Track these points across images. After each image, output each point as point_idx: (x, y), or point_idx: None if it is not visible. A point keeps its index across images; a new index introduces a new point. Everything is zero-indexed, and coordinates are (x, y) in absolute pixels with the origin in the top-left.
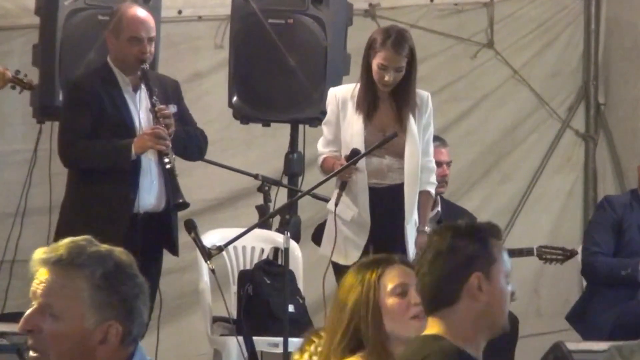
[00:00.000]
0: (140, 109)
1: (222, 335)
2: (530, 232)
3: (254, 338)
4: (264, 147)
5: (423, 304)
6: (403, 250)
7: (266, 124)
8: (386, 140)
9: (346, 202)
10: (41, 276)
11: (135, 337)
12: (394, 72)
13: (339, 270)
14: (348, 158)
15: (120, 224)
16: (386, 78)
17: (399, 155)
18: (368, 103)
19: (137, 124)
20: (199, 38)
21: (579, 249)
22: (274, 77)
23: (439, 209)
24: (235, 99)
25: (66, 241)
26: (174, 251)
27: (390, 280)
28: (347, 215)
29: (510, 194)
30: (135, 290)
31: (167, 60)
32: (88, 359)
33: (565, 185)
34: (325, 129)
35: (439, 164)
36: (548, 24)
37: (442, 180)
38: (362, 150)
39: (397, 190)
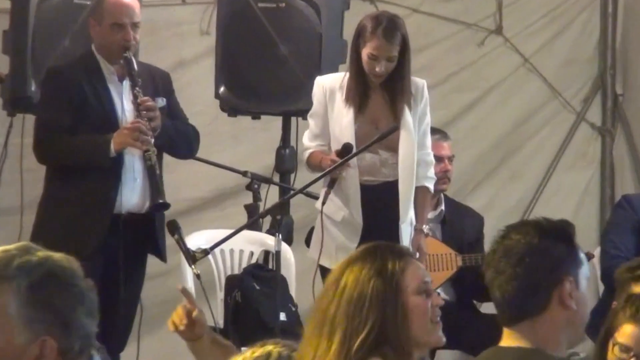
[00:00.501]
0: (126, 100)
1: None
2: None
3: (243, 349)
4: (253, 141)
5: (502, 313)
6: None
7: (256, 116)
8: (386, 134)
9: (336, 201)
10: None
11: (82, 352)
12: (386, 62)
13: (325, 274)
14: (339, 153)
15: (100, 225)
16: (377, 69)
17: (393, 149)
18: (359, 94)
19: (121, 117)
20: (183, 23)
21: (596, 253)
22: (264, 66)
23: (443, 208)
24: (222, 89)
25: None
26: (161, 256)
27: (413, 275)
28: (338, 216)
29: (520, 193)
30: (70, 301)
31: (148, 48)
32: None
33: (580, 183)
34: (312, 121)
35: (439, 158)
36: (561, 8)
37: (443, 177)
38: (354, 144)
39: (391, 188)
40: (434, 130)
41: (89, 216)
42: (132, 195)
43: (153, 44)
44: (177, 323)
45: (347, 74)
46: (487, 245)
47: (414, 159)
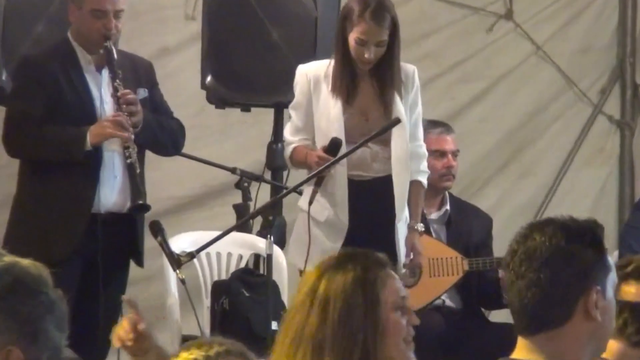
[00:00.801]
0: (104, 92)
1: None
2: None
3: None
4: (243, 135)
5: (519, 322)
6: (391, 253)
7: (245, 108)
8: (386, 128)
9: (320, 200)
10: None
11: None
12: (375, 47)
13: None
14: (327, 149)
15: (77, 226)
16: (366, 55)
17: (384, 142)
18: (346, 83)
19: (98, 109)
20: (166, 7)
21: (614, 256)
22: (254, 54)
23: (448, 207)
24: (209, 79)
25: None
26: (139, 261)
27: (392, 289)
28: (321, 216)
29: (532, 191)
30: (39, 310)
31: (129, 34)
32: None
33: (597, 180)
34: (294, 113)
35: (442, 153)
36: None
37: (447, 173)
38: (343, 137)
39: (382, 184)
40: (436, 123)
41: (65, 216)
42: (111, 193)
43: (134, 30)
44: (124, 338)
45: (332, 62)
46: (496, 248)
47: (407, 151)
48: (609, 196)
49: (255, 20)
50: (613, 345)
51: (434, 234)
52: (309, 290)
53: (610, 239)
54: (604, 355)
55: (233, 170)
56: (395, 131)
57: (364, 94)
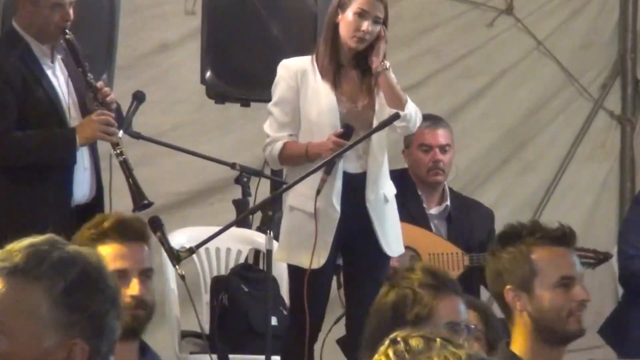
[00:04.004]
0: (63, 84)
1: (192, 353)
2: None
3: (230, 356)
4: (242, 131)
5: None
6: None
7: (245, 103)
8: (387, 123)
9: (303, 191)
10: None
11: (105, 356)
12: (372, 23)
13: (299, 277)
14: (341, 134)
15: (59, 223)
16: (364, 27)
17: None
18: (333, 69)
19: (64, 103)
20: (166, 2)
21: (614, 252)
22: (254, 49)
23: (448, 202)
24: (208, 74)
25: (25, 244)
26: None
27: None
28: (309, 207)
29: (533, 187)
30: (105, 306)
31: (128, 29)
32: None
33: (598, 176)
34: (278, 110)
35: (428, 147)
36: None
37: (434, 167)
38: (338, 124)
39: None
40: (425, 117)
41: (45, 217)
42: (83, 187)
43: (133, 25)
44: None
45: (314, 56)
46: None
47: (385, 143)
48: (610, 192)
49: (255, 15)
50: None
51: (434, 229)
52: None
53: (610, 234)
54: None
55: (233, 166)
56: (377, 119)
57: (348, 82)
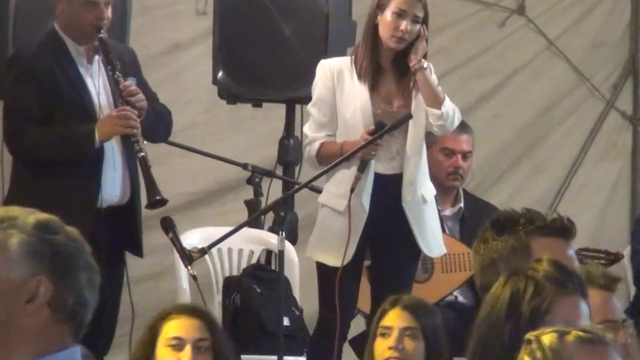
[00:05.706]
0: (98, 84)
1: None
2: None
3: (243, 357)
4: (254, 131)
5: None
6: (407, 234)
7: (257, 104)
8: (399, 123)
9: (333, 190)
10: None
11: (74, 317)
12: (411, 22)
13: (328, 274)
14: (373, 132)
15: (81, 223)
16: (402, 27)
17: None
18: (372, 69)
19: (96, 104)
20: (177, 3)
21: (626, 252)
22: (266, 49)
23: (462, 205)
24: (220, 74)
25: None
26: (138, 251)
27: None
28: (340, 205)
29: (544, 187)
30: (70, 246)
31: (140, 30)
32: (13, 319)
33: (609, 176)
34: (315, 110)
35: (451, 152)
36: None
37: (453, 172)
38: (372, 125)
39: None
40: None
41: (69, 215)
42: (113, 188)
43: (145, 25)
44: None
45: (353, 57)
46: None
47: (422, 144)
48: (622, 191)
49: (266, 15)
50: None
51: (447, 231)
52: None
53: (622, 234)
54: None
55: (244, 166)
56: (412, 123)
57: (385, 84)
